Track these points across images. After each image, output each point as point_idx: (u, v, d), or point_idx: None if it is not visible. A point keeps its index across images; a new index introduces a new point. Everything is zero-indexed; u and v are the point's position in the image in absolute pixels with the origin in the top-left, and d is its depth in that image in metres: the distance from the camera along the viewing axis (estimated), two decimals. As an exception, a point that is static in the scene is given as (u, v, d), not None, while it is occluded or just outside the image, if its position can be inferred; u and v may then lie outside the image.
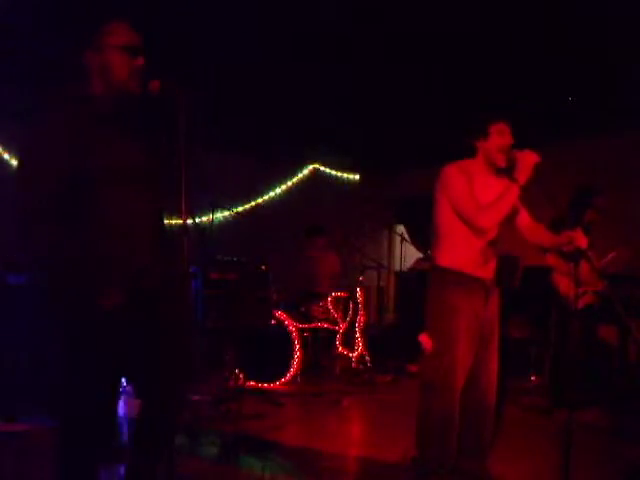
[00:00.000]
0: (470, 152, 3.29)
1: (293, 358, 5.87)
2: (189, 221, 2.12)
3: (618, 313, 4.92)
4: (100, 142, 2.16)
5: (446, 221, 3.25)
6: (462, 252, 3.22)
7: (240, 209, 8.01)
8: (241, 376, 5.41)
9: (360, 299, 6.74)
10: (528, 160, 3.03)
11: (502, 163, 3.17)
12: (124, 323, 2.14)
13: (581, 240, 3.23)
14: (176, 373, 2.30)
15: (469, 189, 3.13)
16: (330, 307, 6.56)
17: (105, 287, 2.10)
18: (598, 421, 4.66)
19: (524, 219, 3.43)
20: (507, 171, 3.17)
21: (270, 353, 5.91)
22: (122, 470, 2.47)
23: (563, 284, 5.02)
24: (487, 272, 3.27)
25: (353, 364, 6.58)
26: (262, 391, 5.56)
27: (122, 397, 4.59)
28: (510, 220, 3.32)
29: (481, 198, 3.12)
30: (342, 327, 6.56)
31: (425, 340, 3.22)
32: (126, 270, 2.18)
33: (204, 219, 6.94)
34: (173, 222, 2.55)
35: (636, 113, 6.02)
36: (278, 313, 6.03)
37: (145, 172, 2.28)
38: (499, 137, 3.17)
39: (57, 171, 2.07)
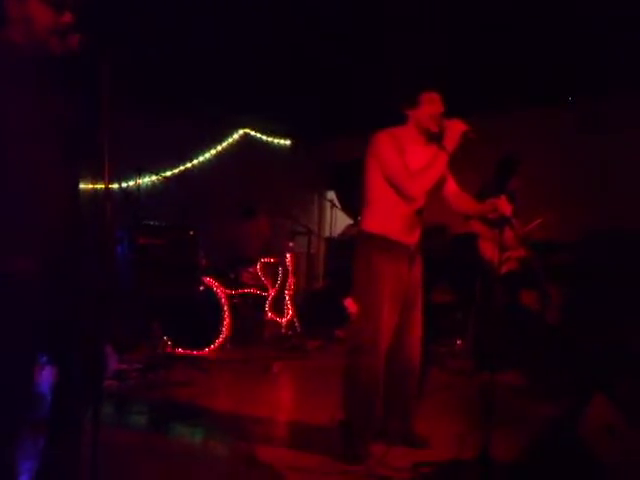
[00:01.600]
0: (400, 119, 3.32)
1: (222, 324, 5.84)
2: (113, 185, 2.04)
3: (539, 279, 5.14)
4: (13, 93, 2.01)
5: (375, 187, 3.28)
6: (389, 218, 3.27)
7: (169, 174, 7.84)
8: (169, 343, 5.36)
9: (290, 265, 6.75)
10: (456, 128, 3.08)
11: (435, 128, 3.20)
12: (38, 291, 2.06)
13: (505, 207, 3.32)
14: (91, 340, 2.24)
15: (400, 157, 3.16)
16: (259, 273, 6.55)
17: (12, 254, 2.00)
18: (517, 381, 4.88)
19: (451, 187, 3.50)
20: (436, 139, 3.21)
21: (199, 319, 5.86)
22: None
23: (488, 250, 5.16)
24: (412, 238, 3.33)
25: (283, 330, 6.61)
26: (191, 358, 5.52)
27: (46, 368, 4.46)
28: (438, 188, 3.38)
29: (411, 166, 3.15)
30: (271, 293, 6.57)
31: (350, 304, 3.27)
32: (38, 237, 2.08)
33: (131, 183, 6.76)
34: (97, 187, 2.46)
35: (562, 87, 6.20)
36: (207, 279, 5.97)
37: (61, 131, 2.14)
38: (429, 106, 3.21)
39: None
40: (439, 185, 3.34)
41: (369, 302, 3.22)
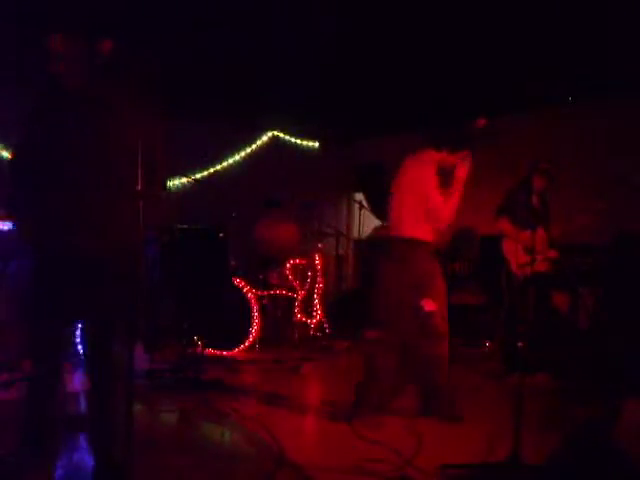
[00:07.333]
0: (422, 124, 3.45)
1: (252, 325, 5.88)
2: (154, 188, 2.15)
3: (570, 281, 5.08)
4: (52, 119, 2.32)
5: (417, 204, 3.77)
6: (428, 229, 3.83)
7: (198, 176, 7.91)
8: (199, 343, 5.41)
9: (319, 266, 6.77)
10: (461, 174, 3.74)
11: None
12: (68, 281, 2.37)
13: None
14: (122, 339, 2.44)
15: (441, 191, 3.74)
16: (289, 274, 6.58)
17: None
18: (547, 384, 4.82)
19: None
20: (445, 182, 3.81)
21: (229, 320, 5.91)
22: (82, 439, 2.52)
23: (511, 251, 5.11)
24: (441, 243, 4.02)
25: (311, 331, 6.63)
26: (221, 358, 5.57)
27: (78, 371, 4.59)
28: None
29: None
30: (300, 294, 6.60)
31: (428, 304, 3.76)
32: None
33: (161, 185, 6.83)
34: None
35: (590, 85, 6.11)
36: (236, 280, 6.02)
37: (98, 147, 2.35)
38: (462, 164, 3.77)
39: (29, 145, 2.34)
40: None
41: (440, 295, 3.84)
